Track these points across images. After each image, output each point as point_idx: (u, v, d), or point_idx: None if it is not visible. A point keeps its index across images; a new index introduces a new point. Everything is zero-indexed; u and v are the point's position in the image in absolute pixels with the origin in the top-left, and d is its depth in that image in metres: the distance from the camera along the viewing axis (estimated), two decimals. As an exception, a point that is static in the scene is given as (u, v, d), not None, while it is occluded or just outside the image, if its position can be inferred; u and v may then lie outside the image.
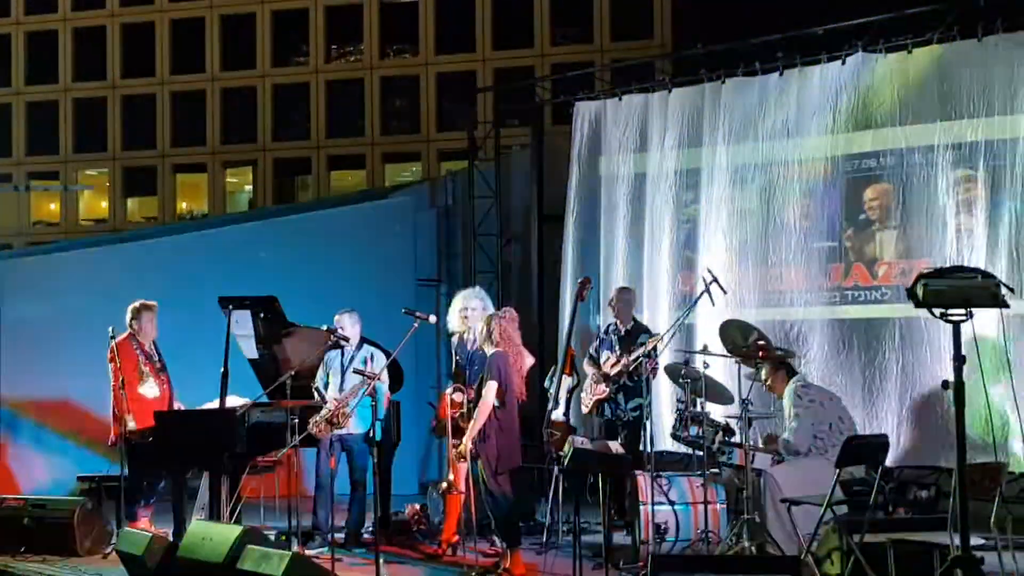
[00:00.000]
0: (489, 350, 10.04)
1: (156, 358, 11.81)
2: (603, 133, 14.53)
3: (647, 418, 10.91)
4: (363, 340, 11.60)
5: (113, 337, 11.45)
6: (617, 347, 12.05)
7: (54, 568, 10.56)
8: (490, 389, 9.85)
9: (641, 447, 11.12)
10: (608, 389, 11.91)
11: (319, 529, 11.29)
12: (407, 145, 48.68)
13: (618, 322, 12.28)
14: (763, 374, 10.67)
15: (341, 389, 11.32)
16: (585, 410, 12.28)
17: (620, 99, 14.46)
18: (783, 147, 13.03)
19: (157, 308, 11.86)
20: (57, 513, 11.21)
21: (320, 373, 11.53)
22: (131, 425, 11.39)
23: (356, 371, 10.82)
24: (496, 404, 9.85)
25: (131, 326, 11.74)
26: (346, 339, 11.35)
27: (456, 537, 11.07)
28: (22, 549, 11.08)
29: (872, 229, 12.47)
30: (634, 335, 12.02)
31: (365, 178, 48.77)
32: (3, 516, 11.37)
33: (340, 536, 11.15)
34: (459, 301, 11.42)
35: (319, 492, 11.32)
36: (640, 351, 11.51)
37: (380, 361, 11.25)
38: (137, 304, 11.82)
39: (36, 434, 14.87)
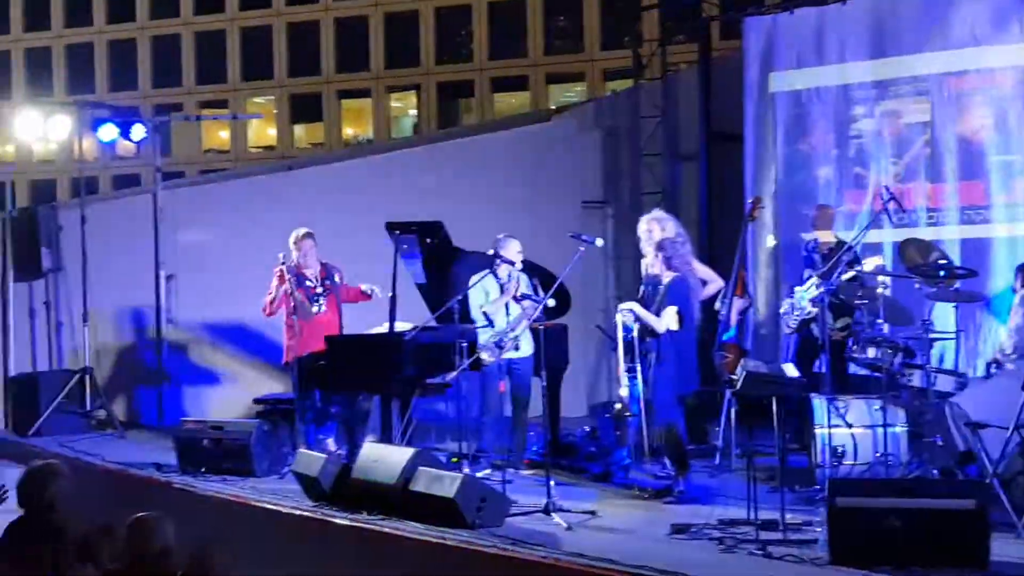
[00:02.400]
0: (667, 276, 9.93)
1: (315, 284, 11.94)
2: (774, 48, 14.17)
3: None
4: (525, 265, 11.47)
5: (284, 263, 11.61)
6: (821, 265, 11.73)
7: (233, 488, 10.75)
8: (670, 313, 9.79)
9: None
10: (815, 309, 11.64)
11: (486, 452, 11.32)
12: (571, 65, 48.40)
13: (819, 241, 11.94)
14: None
15: (508, 314, 11.28)
16: (788, 330, 12.01)
17: (792, 12, 14.09)
18: (965, 57, 12.58)
19: (313, 236, 12.03)
20: (235, 435, 11.41)
21: (478, 298, 11.41)
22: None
23: (524, 296, 10.78)
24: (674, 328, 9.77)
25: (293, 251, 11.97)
26: (511, 262, 11.26)
27: (627, 460, 11.00)
28: (203, 469, 11.31)
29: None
30: (838, 252, 11.68)
31: (529, 100, 48.66)
32: (184, 438, 11.62)
33: (508, 459, 11.16)
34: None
35: (486, 416, 11.34)
36: (858, 269, 11.14)
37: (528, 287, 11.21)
38: (299, 231, 12.00)
39: (212, 357, 15.14)
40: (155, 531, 5.96)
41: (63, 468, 6.73)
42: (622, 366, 10.58)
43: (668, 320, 9.82)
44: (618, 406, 10.86)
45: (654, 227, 10.94)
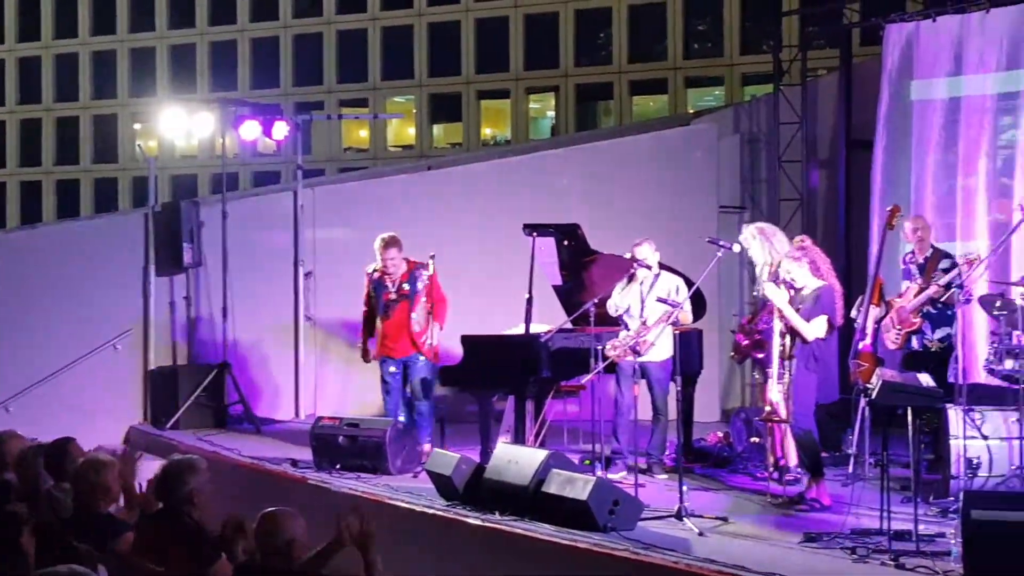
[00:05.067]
0: (813, 284, 9.85)
1: (390, 288, 11.96)
2: (915, 56, 14.02)
3: (954, 348, 10.57)
4: (662, 268, 11.42)
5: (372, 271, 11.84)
6: (918, 276, 11.62)
7: (367, 485, 10.88)
8: (820, 323, 9.75)
9: (951, 379, 10.76)
10: (917, 320, 11.53)
11: (620, 455, 11.33)
12: (710, 69, 48.14)
13: (916, 252, 11.81)
14: None
15: (641, 317, 11.25)
16: (893, 346, 11.90)
17: (934, 20, 13.90)
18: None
19: (394, 240, 11.94)
20: (370, 433, 11.51)
21: (616, 300, 11.39)
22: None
23: (660, 300, 10.77)
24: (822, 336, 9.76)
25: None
26: (648, 267, 11.24)
27: (784, 461, 10.82)
28: (337, 466, 11.44)
29: None
30: (935, 262, 11.56)
31: (668, 103, 48.49)
32: (319, 435, 11.74)
33: (642, 462, 11.15)
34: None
35: (619, 418, 11.34)
36: (948, 278, 11.07)
37: (684, 292, 11.13)
38: (383, 237, 11.99)
39: (347, 355, 15.30)
40: (283, 525, 6.03)
41: (202, 463, 6.85)
42: (776, 369, 10.45)
43: (817, 328, 9.75)
44: (767, 408, 10.74)
45: (765, 238, 10.91)
